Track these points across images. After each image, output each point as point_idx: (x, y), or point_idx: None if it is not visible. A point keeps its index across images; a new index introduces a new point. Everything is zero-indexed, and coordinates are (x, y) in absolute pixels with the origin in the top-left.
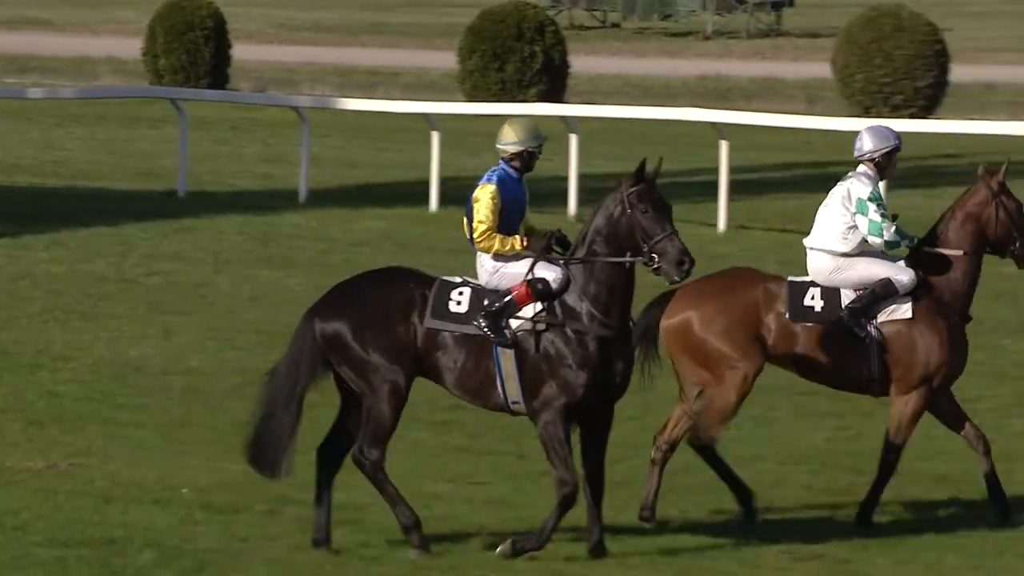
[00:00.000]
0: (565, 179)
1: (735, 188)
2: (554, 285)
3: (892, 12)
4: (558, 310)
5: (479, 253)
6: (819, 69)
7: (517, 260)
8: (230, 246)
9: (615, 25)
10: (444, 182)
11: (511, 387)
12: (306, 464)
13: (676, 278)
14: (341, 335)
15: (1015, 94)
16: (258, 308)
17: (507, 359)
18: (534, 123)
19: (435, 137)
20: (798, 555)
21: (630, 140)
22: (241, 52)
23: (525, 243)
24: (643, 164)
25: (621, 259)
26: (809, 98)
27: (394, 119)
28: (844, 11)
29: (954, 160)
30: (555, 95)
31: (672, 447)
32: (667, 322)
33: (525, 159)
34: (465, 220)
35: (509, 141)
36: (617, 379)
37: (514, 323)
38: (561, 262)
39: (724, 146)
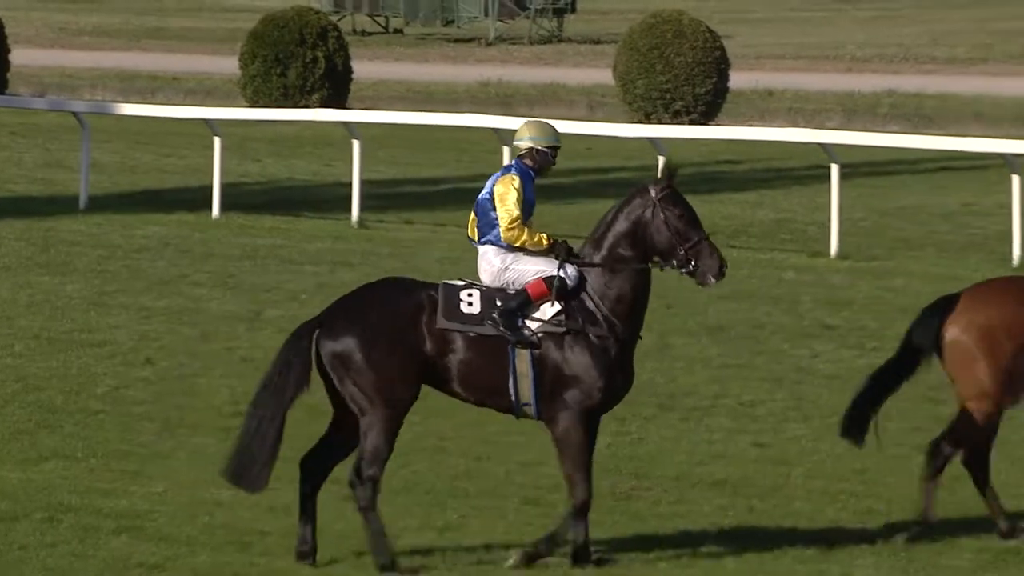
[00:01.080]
0: (348, 185)
1: None
2: (570, 284)
3: (672, 19)
4: (577, 313)
5: (485, 250)
6: (600, 75)
7: (528, 257)
8: (8, 252)
9: (398, 31)
10: (226, 188)
11: (524, 388)
12: (87, 471)
13: (712, 283)
14: (350, 353)
15: (793, 100)
16: (36, 314)
17: (522, 360)
18: (552, 126)
19: (217, 143)
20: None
21: (413, 146)
22: (21, 57)
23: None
24: (669, 167)
25: (657, 264)
26: (591, 104)
27: (176, 124)
28: (625, 18)
29: (734, 166)
30: (338, 101)
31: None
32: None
33: (536, 157)
34: (473, 216)
35: (523, 137)
36: (622, 386)
37: (533, 324)
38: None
39: (507, 152)
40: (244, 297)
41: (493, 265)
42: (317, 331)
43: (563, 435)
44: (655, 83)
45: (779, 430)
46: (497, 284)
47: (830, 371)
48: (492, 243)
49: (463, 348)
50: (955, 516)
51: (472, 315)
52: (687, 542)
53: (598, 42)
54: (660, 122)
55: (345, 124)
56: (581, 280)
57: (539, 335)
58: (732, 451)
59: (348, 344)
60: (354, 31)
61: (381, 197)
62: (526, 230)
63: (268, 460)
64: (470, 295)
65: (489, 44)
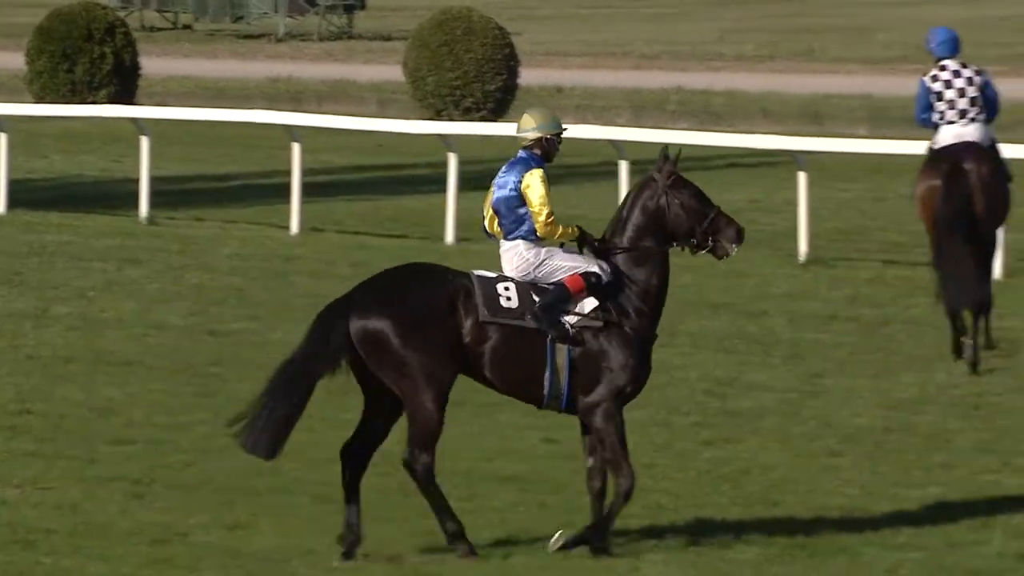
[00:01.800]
0: (137, 181)
1: (308, 191)
2: (604, 278)
3: (462, 15)
4: (612, 307)
5: (515, 244)
6: (391, 72)
7: (561, 252)
8: None
9: (187, 27)
10: (13, 184)
11: (559, 381)
12: None
13: (735, 250)
14: (384, 334)
15: (583, 97)
16: None
17: (560, 354)
18: (552, 112)
19: (3, 139)
20: (369, 557)
21: (203, 142)
22: None
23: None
24: (667, 152)
25: (677, 246)
26: (381, 101)
27: None
28: (415, 14)
29: None
30: (126, 97)
31: None
32: None
33: (544, 146)
34: (490, 212)
35: (528, 128)
36: (648, 376)
37: (571, 319)
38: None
39: (296, 148)
40: (31, 294)
41: (525, 259)
42: (350, 311)
43: (604, 426)
44: (445, 80)
45: (569, 426)
46: (528, 278)
47: None
48: (523, 238)
49: (500, 339)
50: (741, 510)
51: (511, 309)
52: (476, 538)
53: (388, 39)
54: (450, 119)
55: (134, 120)
56: (613, 274)
57: (577, 329)
58: (522, 447)
59: (386, 325)
60: (142, 27)
61: (170, 194)
62: (560, 225)
63: (285, 434)
64: (507, 288)
65: (279, 40)
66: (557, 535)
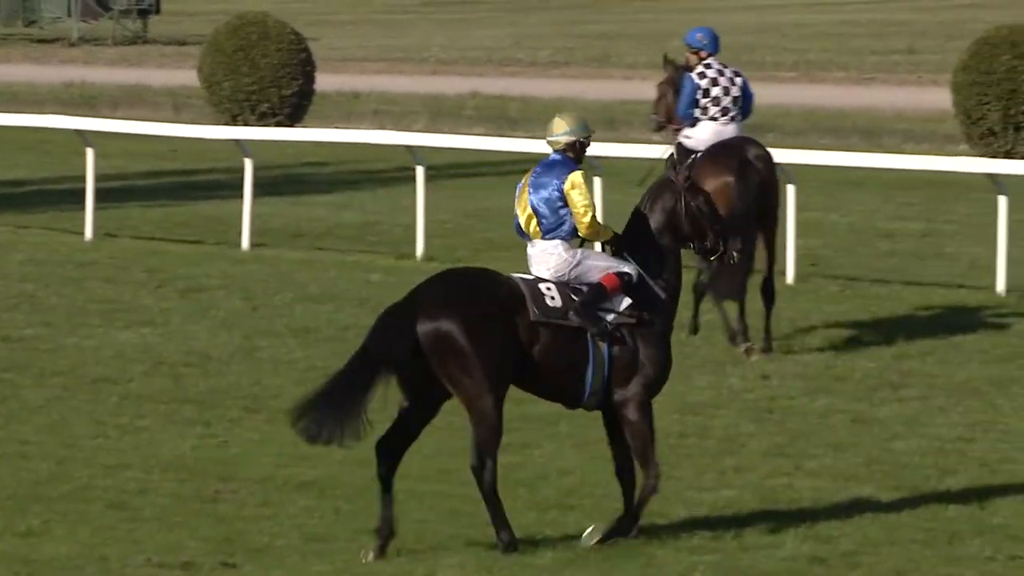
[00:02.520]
0: None
1: (102, 196)
2: (634, 278)
3: (258, 20)
4: (643, 305)
5: (554, 244)
6: (186, 76)
7: (595, 252)
8: None
9: None
10: None
11: (597, 379)
12: None
13: (736, 259)
14: (454, 336)
15: (379, 103)
16: None
17: (599, 351)
18: (581, 115)
19: None
20: (163, 564)
21: None
22: None
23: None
24: (673, 159)
25: (694, 247)
26: (176, 105)
27: None
28: (210, 19)
29: (320, 168)
30: None
31: None
32: None
33: (577, 149)
34: (527, 211)
35: (563, 132)
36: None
37: (609, 316)
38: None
39: (90, 153)
40: None
41: (564, 259)
42: (416, 314)
43: (637, 422)
44: (241, 85)
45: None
46: (562, 278)
47: None
48: (562, 238)
49: (547, 339)
50: (537, 515)
51: (556, 308)
52: (272, 545)
53: (183, 43)
54: (247, 123)
55: None
56: (639, 273)
57: (615, 326)
58: (318, 453)
59: (455, 327)
60: None
61: None
62: (600, 225)
63: (345, 418)
64: (548, 288)
65: (72, 45)
66: (591, 529)
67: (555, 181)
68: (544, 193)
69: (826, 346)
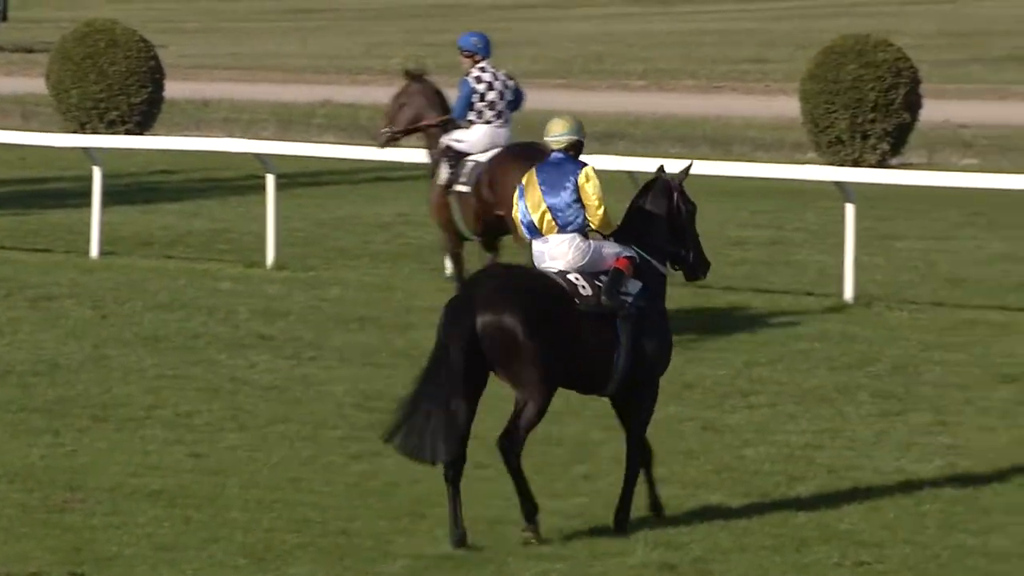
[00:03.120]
0: None
1: None
2: (638, 260)
3: (106, 28)
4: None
5: (572, 236)
6: (33, 84)
7: (603, 240)
8: None
9: None
10: None
11: (624, 363)
12: None
13: (701, 278)
14: (516, 328)
15: (229, 111)
16: None
17: (625, 334)
18: (577, 118)
19: None
20: (11, 574)
21: None
22: None
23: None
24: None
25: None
26: (24, 114)
27: None
28: (58, 26)
29: (169, 176)
30: None
31: None
32: None
33: (578, 148)
34: (542, 209)
35: (564, 132)
36: None
37: (627, 299)
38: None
39: None
40: None
41: (580, 249)
42: (474, 309)
43: (649, 401)
44: (89, 92)
45: (215, 440)
46: (580, 267)
47: (266, 381)
48: (578, 230)
49: (586, 328)
50: (389, 523)
51: (590, 296)
52: (121, 554)
53: (31, 51)
54: (95, 132)
55: None
56: (642, 255)
57: (636, 307)
58: (168, 462)
59: (517, 319)
60: None
61: None
62: (609, 216)
63: (447, 436)
64: (576, 278)
65: None
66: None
67: (570, 177)
68: (559, 190)
69: (676, 353)
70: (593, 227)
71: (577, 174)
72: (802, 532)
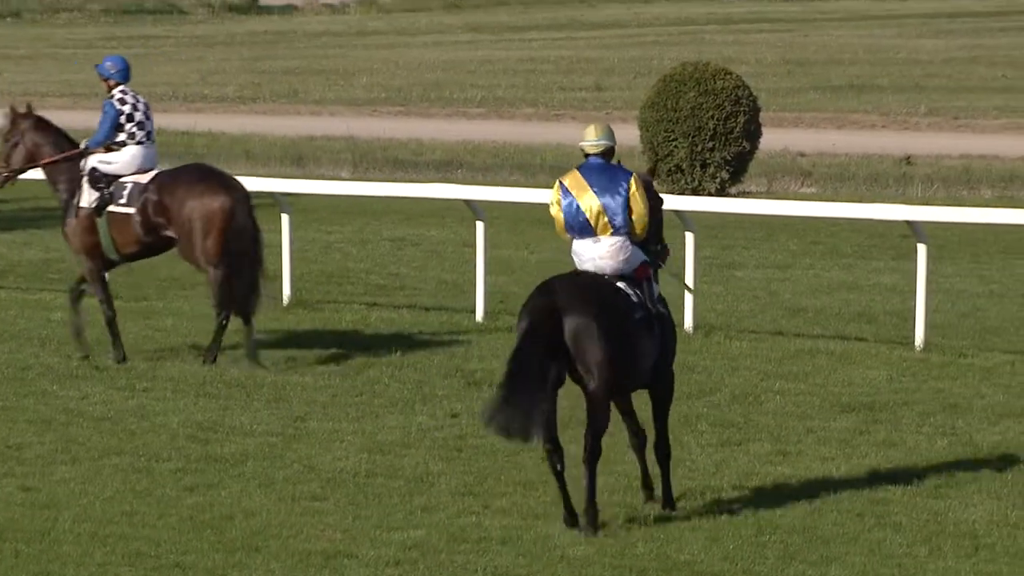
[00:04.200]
0: None
1: None
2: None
3: None
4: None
5: (624, 239)
6: None
7: (633, 247)
8: None
9: None
10: None
11: (655, 361)
12: None
13: (663, 266)
14: (595, 331)
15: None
16: None
17: (660, 333)
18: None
19: None
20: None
21: None
22: None
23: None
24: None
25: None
26: None
27: None
28: None
29: (2, 206)
30: None
31: None
32: None
33: (611, 153)
34: (599, 209)
35: (601, 137)
36: None
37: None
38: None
39: None
40: None
41: (631, 252)
42: (560, 312)
43: (670, 393)
44: None
45: (47, 473)
46: (625, 272)
47: (100, 413)
48: (624, 234)
49: (640, 333)
50: (224, 556)
51: (642, 301)
52: None
53: None
54: None
55: None
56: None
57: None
58: None
59: (594, 323)
60: None
61: None
62: None
63: (538, 419)
64: (625, 285)
65: None
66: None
67: (622, 182)
68: (613, 193)
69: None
70: (636, 232)
71: (629, 179)
72: (641, 563)
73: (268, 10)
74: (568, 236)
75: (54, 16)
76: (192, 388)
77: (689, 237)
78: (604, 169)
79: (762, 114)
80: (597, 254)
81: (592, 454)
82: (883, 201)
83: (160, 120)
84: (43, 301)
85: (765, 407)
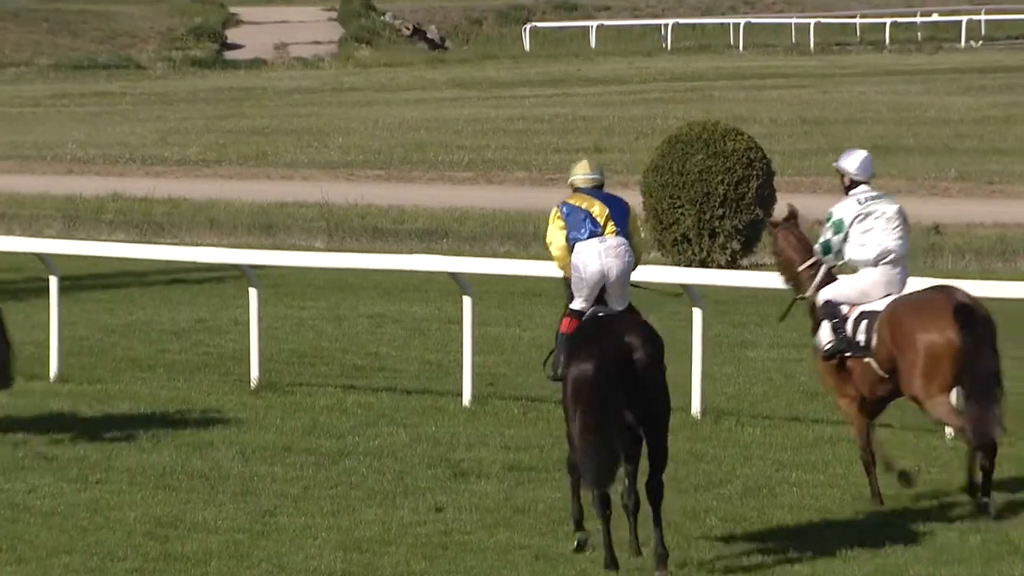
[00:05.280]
0: None
1: None
2: None
3: None
4: None
5: (619, 241)
6: None
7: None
8: None
9: None
10: None
11: None
12: None
13: None
14: (661, 359)
15: (7, 204)
16: None
17: None
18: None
19: None
20: None
21: None
22: None
23: None
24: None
25: None
26: None
27: None
28: None
29: None
30: None
31: None
32: None
33: (601, 187)
34: (607, 214)
35: (594, 172)
36: None
37: None
38: None
39: None
40: None
41: (630, 255)
42: (628, 349)
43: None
44: None
45: None
46: (623, 275)
47: (48, 507)
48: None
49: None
50: None
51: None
52: None
53: None
54: None
55: None
56: None
57: None
58: None
59: (660, 352)
60: None
61: None
62: None
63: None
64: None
65: None
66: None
67: (623, 205)
68: (617, 209)
69: (505, 475)
70: (637, 255)
71: (628, 205)
72: None
73: (234, 64)
74: (566, 261)
75: None
76: (151, 480)
77: (697, 313)
78: (600, 194)
79: (776, 178)
80: (604, 251)
81: (658, 487)
82: (910, 274)
83: (116, 184)
84: None
85: (781, 500)
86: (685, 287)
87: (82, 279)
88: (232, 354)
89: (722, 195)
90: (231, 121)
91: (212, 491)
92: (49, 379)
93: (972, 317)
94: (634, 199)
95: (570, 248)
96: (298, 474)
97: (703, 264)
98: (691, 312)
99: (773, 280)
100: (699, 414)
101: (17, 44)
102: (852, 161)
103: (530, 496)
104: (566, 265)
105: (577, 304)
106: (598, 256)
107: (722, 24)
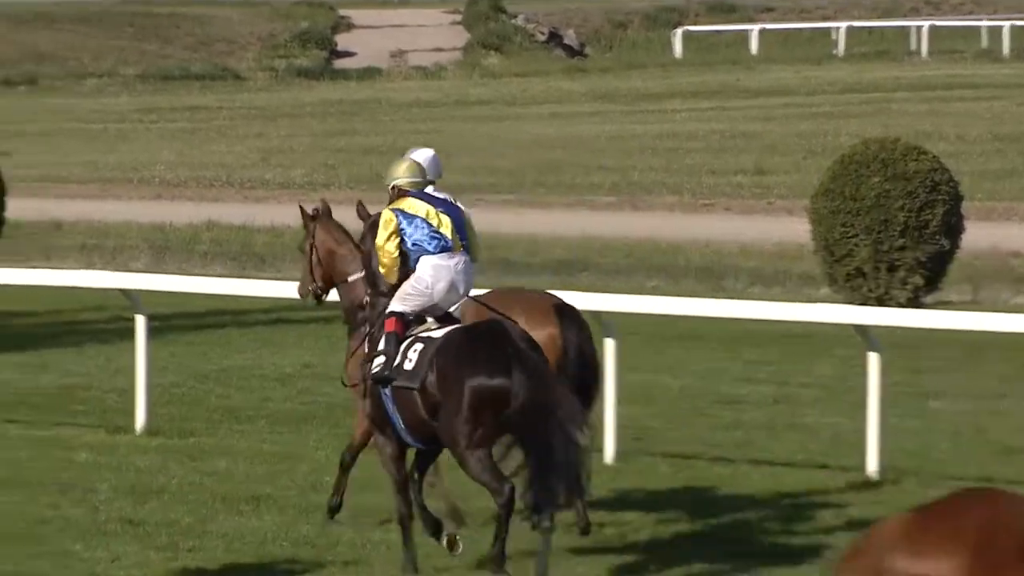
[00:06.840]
0: None
1: None
2: None
3: None
4: None
5: (465, 258)
6: None
7: None
8: None
9: None
10: None
11: None
12: None
13: None
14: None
15: (88, 234)
16: None
17: None
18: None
19: None
20: None
21: None
22: None
23: None
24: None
25: None
26: None
27: None
28: None
29: (10, 320)
30: None
31: None
32: None
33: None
34: (452, 227)
35: (415, 174)
36: None
37: None
38: None
39: None
40: None
41: (471, 273)
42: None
43: None
44: None
45: None
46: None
47: None
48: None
49: None
50: None
51: None
52: None
53: None
54: None
55: None
56: None
57: None
58: None
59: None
60: None
61: None
62: None
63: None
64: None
65: None
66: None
67: (458, 210)
68: (455, 217)
69: (649, 538)
70: (476, 258)
71: (462, 210)
72: None
73: (345, 74)
74: (395, 269)
75: (78, 83)
76: (250, 548)
77: (873, 358)
78: (435, 199)
79: (965, 204)
80: (455, 268)
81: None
82: None
83: (210, 211)
84: (63, 439)
85: None
86: (860, 328)
87: (172, 318)
88: (343, 403)
89: (902, 223)
90: (341, 139)
91: (319, 560)
92: (135, 432)
93: None
94: (802, 227)
95: (412, 259)
96: (419, 540)
97: (880, 302)
98: (866, 357)
99: (961, 320)
100: (876, 474)
101: (98, 52)
102: None
103: (671, 558)
104: (394, 272)
105: (403, 308)
106: (449, 273)
107: (902, 27)
